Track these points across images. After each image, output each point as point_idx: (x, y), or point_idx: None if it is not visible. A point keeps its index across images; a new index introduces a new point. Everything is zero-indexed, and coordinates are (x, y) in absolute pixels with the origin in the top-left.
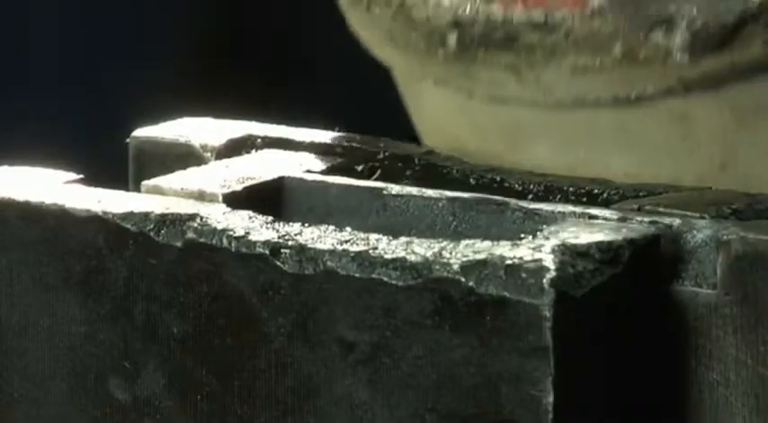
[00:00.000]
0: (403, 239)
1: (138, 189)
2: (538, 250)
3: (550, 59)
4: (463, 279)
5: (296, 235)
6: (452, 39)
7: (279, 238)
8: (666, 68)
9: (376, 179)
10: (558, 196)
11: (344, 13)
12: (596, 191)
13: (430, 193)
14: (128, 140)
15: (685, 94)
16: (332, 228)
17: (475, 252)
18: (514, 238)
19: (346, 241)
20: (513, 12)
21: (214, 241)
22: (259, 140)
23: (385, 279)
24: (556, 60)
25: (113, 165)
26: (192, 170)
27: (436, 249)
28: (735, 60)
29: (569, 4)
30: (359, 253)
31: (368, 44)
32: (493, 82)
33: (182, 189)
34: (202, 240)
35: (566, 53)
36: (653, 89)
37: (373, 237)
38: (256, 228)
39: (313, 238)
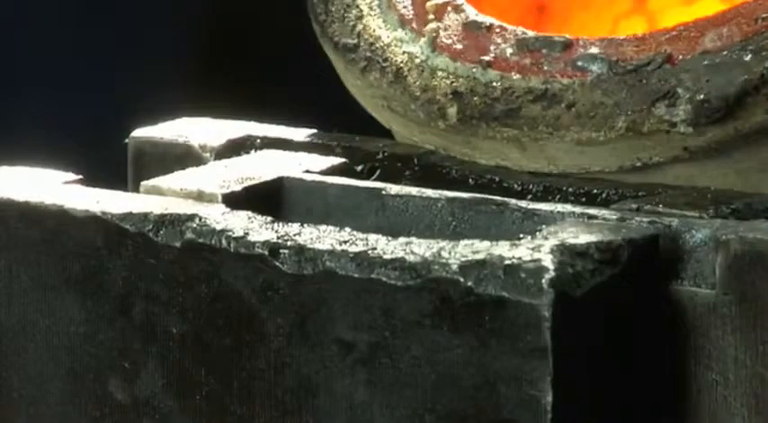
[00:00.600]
0: (402, 240)
1: (136, 189)
2: (537, 250)
3: (554, 133)
4: (462, 279)
5: (295, 235)
6: (452, 111)
7: (278, 238)
8: (671, 139)
9: (375, 179)
10: (558, 196)
11: (341, 77)
12: (595, 191)
13: (429, 193)
14: (127, 141)
15: (690, 161)
16: (331, 228)
17: (474, 252)
18: (513, 238)
19: (345, 241)
20: (511, 79)
21: (213, 242)
22: (258, 141)
23: (384, 279)
24: (559, 134)
25: (112, 165)
26: (190, 170)
27: (435, 249)
28: (738, 128)
29: (568, 73)
30: (358, 253)
31: (365, 107)
32: (496, 152)
33: (181, 189)
34: (201, 241)
35: (569, 127)
36: (658, 158)
37: (372, 237)
38: (255, 228)
39: (312, 239)
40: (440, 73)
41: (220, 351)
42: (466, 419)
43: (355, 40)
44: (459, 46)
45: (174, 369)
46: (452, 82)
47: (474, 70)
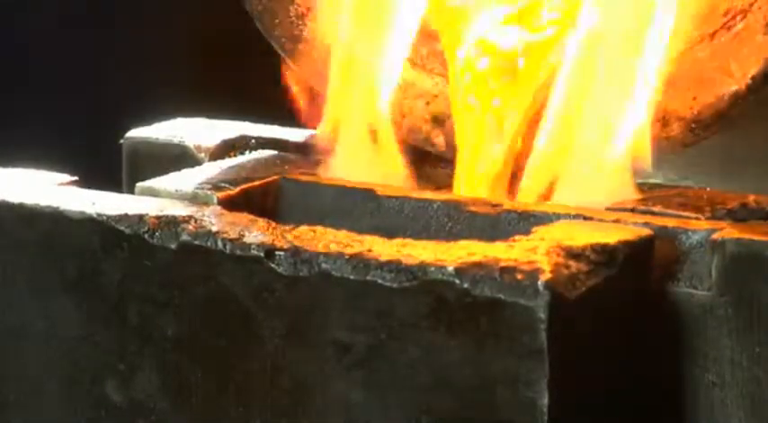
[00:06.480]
0: (398, 241)
1: (132, 190)
2: (533, 252)
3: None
4: (458, 281)
5: (290, 237)
6: (440, 141)
7: (273, 240)
8: (671, 144)
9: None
10: None
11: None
12: None
13: (425, 194)
14: (122, 141)
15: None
16: (327, 229)
17: (470, 254)
18: (509, 239)
19: (341, 243)
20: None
21: (209, 243)
22: (253, 141)
23: (380, 281)
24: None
25: (108, 166)
26: (186, 171)
27: (431, 251)
28: (731, 115)
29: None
30: (354, 255)
31: None
32: None
33: (176, 191)
34: (197, 242)
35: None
36: (663, 153)
37: (368, 239)
38: (251, 230)
39: (307, 240)
40: (410, 89)
41: (216, 353)
42: (462, 421)
43: (307, 48)
44: (417, 57)
45: (170, 371)
46: (428, 102)
47: (444, 87)
